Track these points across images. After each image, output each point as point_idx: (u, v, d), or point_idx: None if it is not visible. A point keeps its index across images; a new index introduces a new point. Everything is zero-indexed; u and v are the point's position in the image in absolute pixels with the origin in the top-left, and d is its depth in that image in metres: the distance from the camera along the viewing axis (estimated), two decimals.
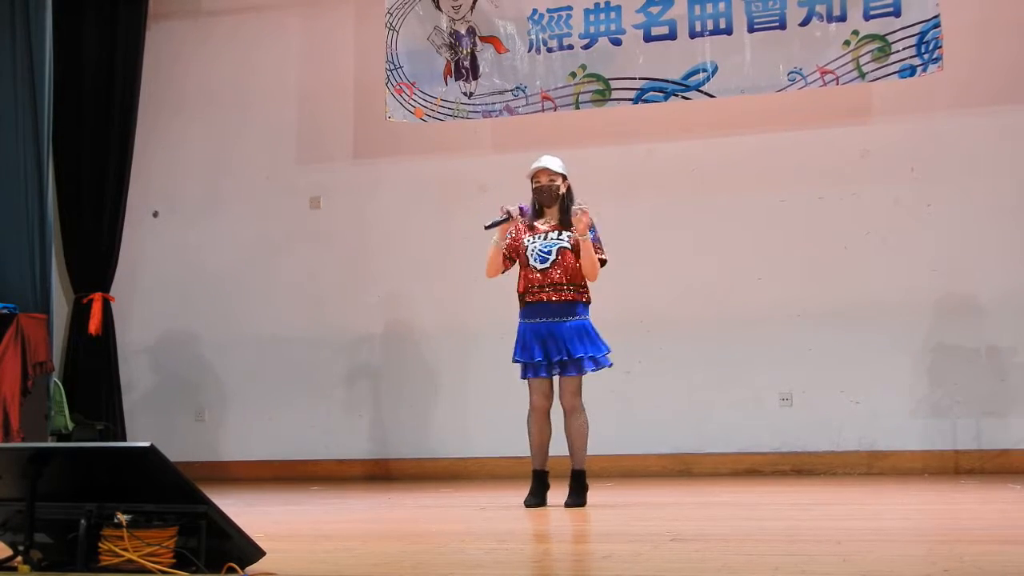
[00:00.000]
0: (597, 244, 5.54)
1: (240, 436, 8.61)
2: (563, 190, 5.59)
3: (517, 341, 5.51)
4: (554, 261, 5.46)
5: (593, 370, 5.45)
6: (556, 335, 5.42)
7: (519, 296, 5.55)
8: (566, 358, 5.39)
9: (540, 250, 5.48)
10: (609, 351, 5.48)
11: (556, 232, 5.53)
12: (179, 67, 9.00)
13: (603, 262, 5.54)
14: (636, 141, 8.05)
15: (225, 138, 8.91)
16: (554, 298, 5.45)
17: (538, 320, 5.46)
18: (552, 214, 5.60)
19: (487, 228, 5.57)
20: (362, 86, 8.55)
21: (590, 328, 5.48)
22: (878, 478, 7.15)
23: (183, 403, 8.71)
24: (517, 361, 5.50)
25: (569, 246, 5.49)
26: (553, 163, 5.59)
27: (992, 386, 7.35)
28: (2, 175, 7.74)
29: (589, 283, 5.54)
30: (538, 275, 5.47)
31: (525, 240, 5.53)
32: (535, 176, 5.59)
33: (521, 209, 5.57)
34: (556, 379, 5.52)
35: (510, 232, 5.58)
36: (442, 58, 7.90)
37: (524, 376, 5.52)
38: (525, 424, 5.57)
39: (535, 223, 5.58)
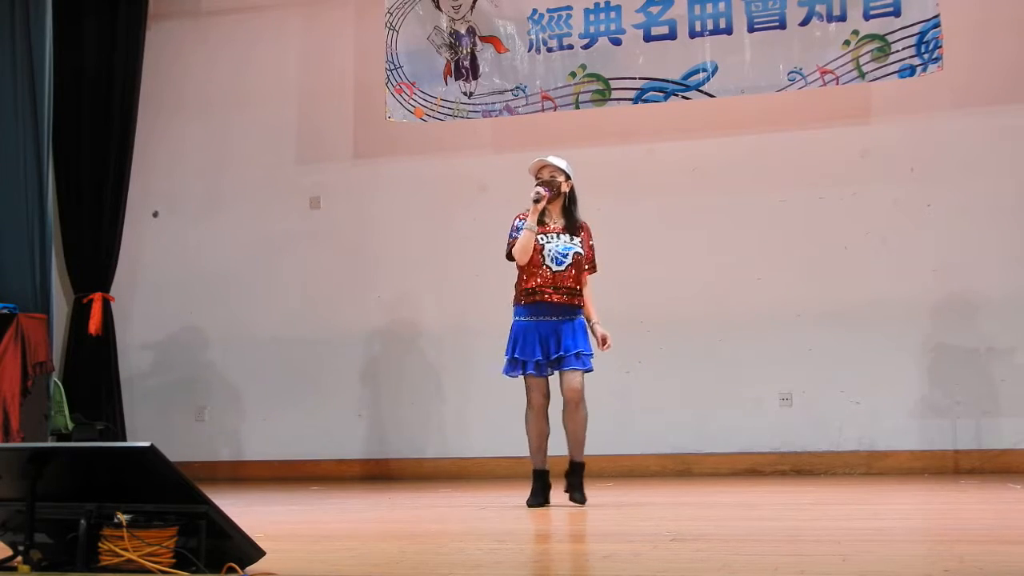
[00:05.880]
0: (591, 258, 5.65)
1: (240, 436, 8.62)
2: (565, 189, 5.60)
3: (514, 339, 5.51)
4: (568, 264, 5.50)
5: (590, 369, 5.48)
6: (558, 333, 5.44)
7: (523, 291, 5.52)
8: (570, 352, 5.41)
9: (558, 252, 5.51)
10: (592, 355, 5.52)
11: (568, 235, 5.56)
12: (179, 67, 9.00)
13: (593, 269, 5.67)
14: (636, 141, 8.05)
15: (225, 138, 8.90)
16: (564, 300, 5.48)
17: (541, 319, 5.47)
18: (555, 213, 5.61)
19: (535, 202, 5.49)
20: (362, 86, 8.55)
21: (585, 328, 5.53)
22: (878, 478, 7.15)
23: (183, 403, 8.71)
24: (514, 358, 5.49)
25: (581, 251, 5.55)
26: (556, 160, 5.62)
27: (992, 386, 7.34)
28: (2, 175, 7.74)
29: None
30: (551, 275, 5.48)
31: (540, 239, 5.54)
32: (538, 172, 5.61)
33: (546, 193, 5.54)
34: (552, 376, 5.53)
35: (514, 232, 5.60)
36: (442, 58, 7.91)
37: (510, 372, 5.52)
38: (523, 424, 5.57)
39: (545, 220, 5.58)
